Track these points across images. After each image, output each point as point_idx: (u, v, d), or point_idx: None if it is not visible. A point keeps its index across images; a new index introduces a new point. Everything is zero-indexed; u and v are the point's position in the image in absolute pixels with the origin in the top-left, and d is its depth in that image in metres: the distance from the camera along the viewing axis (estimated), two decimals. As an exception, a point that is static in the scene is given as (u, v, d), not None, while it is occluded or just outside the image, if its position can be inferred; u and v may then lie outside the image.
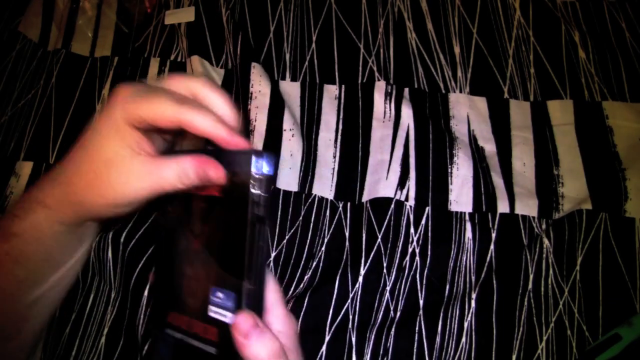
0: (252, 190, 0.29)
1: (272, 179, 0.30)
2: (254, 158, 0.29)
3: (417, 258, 0.46)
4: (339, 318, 0.43)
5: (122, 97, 0.31)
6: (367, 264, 0.45)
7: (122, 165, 0.31)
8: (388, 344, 0.42)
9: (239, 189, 0.29)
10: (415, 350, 0.42)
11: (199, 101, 0.32)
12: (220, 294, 0.30)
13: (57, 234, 0.35)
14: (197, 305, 0.31)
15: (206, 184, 0.31)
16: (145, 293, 0.44)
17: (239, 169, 0.29)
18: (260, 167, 0.29)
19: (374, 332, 0.43)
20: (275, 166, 0.29)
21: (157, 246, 0.39)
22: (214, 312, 0.30)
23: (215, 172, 0.31)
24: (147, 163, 0.31)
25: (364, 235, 0.47)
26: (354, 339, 0.43)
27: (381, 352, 0.42)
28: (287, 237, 0.47)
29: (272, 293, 0.31)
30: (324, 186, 0.50)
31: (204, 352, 0.30)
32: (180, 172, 0.30)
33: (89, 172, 0.32)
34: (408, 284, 0.45)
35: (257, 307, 0.30)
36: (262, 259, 0.29)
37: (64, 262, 0.38)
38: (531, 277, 0.45)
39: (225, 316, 0.29)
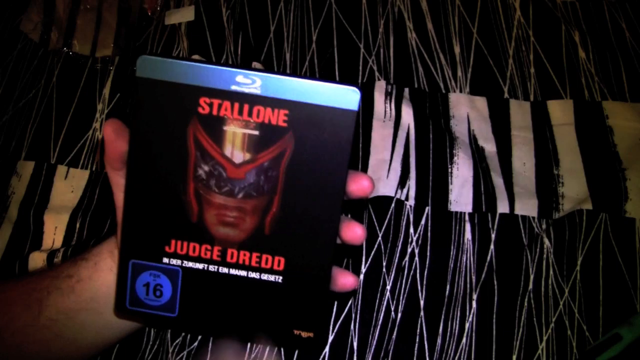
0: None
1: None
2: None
3: (417, 259, 0.46)
4: (342, 317, 0.43)
5: None
6: (368, 263, 0.45)
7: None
8: (389, 347, 0.42)
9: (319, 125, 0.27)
10: (415, 352, 0.42)
11: None
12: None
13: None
14: (242, 235, 0.30)
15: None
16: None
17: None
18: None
19: (375, 336, 0.43)
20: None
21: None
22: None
23: None
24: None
25: (364, 234, 0.47)
26: (355, 344, 0.43)
27: (382, 355, 0.42)
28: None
29: None
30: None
31: (260, 282, 0.29)
32: None
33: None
34: (408, 284, 0.45)
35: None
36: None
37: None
38: (531, 277, 0.45)
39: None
